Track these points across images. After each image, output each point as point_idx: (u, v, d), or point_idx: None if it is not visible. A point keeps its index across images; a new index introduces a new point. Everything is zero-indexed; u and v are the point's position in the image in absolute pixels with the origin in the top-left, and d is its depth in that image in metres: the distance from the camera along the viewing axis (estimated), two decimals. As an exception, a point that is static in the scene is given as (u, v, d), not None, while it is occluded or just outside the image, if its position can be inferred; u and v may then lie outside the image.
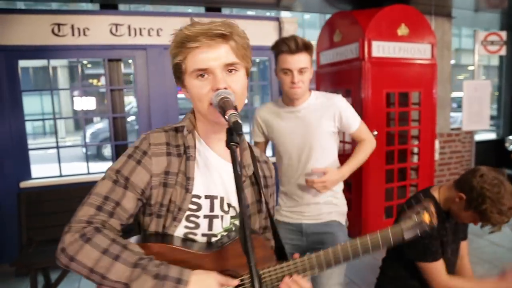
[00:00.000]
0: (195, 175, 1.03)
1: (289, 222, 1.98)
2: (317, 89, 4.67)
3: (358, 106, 3.79)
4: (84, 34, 3.76)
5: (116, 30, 3.86)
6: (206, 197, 1.03)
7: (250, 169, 1.10)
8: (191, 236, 1.02)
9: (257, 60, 13.14)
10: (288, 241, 1.94)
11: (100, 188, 0.94)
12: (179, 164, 1.02)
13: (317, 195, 1.87)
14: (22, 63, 3.82)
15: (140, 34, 3.95)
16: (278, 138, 1.94)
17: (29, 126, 4.00)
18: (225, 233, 1.06)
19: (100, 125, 10.37)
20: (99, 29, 3.80)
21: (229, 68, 0.97)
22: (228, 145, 0.85)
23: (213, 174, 1.05)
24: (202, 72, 0.95)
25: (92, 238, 0.85)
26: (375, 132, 3.73)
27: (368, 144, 1.94)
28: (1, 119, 3.65)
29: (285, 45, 1.72)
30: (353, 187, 3.98)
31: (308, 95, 1.89)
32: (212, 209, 1.04)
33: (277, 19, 4.39)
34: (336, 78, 4.29)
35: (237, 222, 1.07)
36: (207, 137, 1.07)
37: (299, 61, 1.74)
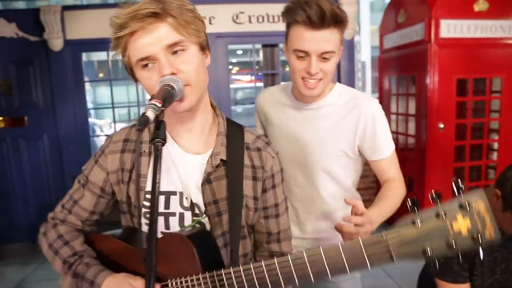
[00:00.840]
0: (149, 171, 0.95)
1: None
2: (380, 77, 4.26)
3: (423, 96, 3.35)
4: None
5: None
6: (161, 193, 0.94)
7: (217, 159, 0.95)
8: None
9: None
10: None
11: (72, 188, 1.03)
12: (134, 160, 0.96)
13: (318, 225, 1.37)
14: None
15: (193, 23, 3.95)
16: (273, 141, 1.35)
17: (115, 113, 4.49)
18: None
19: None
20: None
21: (174, 49, 0.83)
22: (151, 142, 0.73)
23: (172, 168, 0.95)
24: (145, 62, 0.84)
25: (47, 232, 0.99)
26: (441, 125, 3.27)
27: (401, 188, 1.28)
28: (66, 108, 3.94)
29: (303, 12, 1.11)
30: (414, 185, 3.57)
31: (329, 89, 1.31)
32: (167, 206, 0.95)
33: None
34: (400, 64, 3.85)
35: (203, 220, 0.95)
36: (172, 129, 0.96)
37: (323, 40, 1.14)
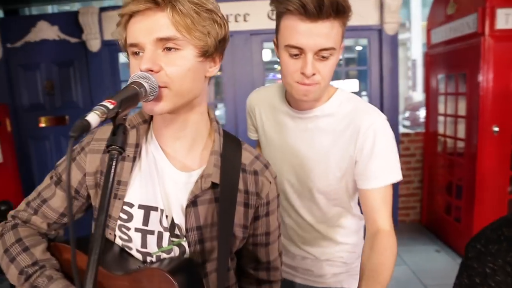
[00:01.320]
0: (131, 179, 0.84)
1: (285, 278, 1.32)
2: (427, 75, 3.93)
3: (475, 95, 3.02)
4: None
5: (204, 18, 3.86)
6: (140, 207, 0.83)
7: (208, 182, 0.81)
8: (127, 249, 0.85)
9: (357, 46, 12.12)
10: None
11: (41, 184, 0.91)
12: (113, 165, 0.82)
13: (318, 245, 1.21)
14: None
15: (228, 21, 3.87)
16: (264, 151, 1.23)
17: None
18: (162, 254, 0.83)
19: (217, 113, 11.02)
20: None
21: (166, 45, 0.72)
22: (106, 149, 0.62)
23: (156, 181, 0.83)
24: (135, 49, 0.74)
25: (4, 235, 0.85)
26: (496, 128, 2.92)
27: (394, 247, 0.97)
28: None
29: (296, 0, 0.91)
30: (463, 194, 3.23)
31: (328, 95, 1.09)
32: (146, 223, 0.82)
33: (378, -7, 3.80)
34: (449, 60, 3.52)
35: (183, 243, 0.83)
36: (159, 133, 0.86)
37: (321, 34, 0.93)
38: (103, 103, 0.58)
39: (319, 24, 0.92)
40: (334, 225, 1.17)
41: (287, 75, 1.01)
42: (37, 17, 3.96)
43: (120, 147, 0.60)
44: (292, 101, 1.13)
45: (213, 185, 0.82)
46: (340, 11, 0.92)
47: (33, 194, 0.89)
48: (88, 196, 0.89)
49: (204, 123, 0.87)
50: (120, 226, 0.83)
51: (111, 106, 0.58)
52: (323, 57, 0.96)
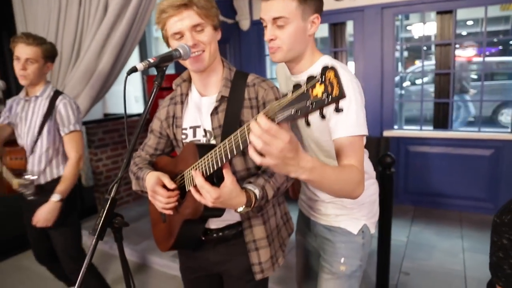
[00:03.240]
0: (183, 114, 1.40)
1: (303, 212, 1.64)
2: None
3: None
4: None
5: (339, -5, 4.12)
6: (190, 127, 1.38)
7: (219, 95, 1.30)
8: None
9: None
10: (305, 235, 1.65)
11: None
12: (174, 110, 1.43)
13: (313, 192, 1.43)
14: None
15: (361, -5, 4.04)
16: None
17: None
18: None
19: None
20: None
21: (197, 28, 1.22)
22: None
23: (195, 109, 1.37)
24: (177, 35, 1.24)
25: (131, 164, 1.48)
26: None
27: (359, 176, 1.12)
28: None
29: None
30: None
31: (312, 60, 1.32)
32: (195, 135, 1.37)
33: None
34: None
35: (212, 142, 1.33)
36: (195, 81, 1.37)
37: (273, 7, 1.23)
38: (149, 59, 1.12)
39: (272, 1, 1.23)
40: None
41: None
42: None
43: (159, 83, 1.13)
44: (288, 67, 1.39)
45: (226, 99, 1.29)
46: None
47: (143, 143, 1.51)
48: (168, 136, 1.45)
49: (219, 67, 1.34)
50: (184, 144, 1.39)
51: (152, 61, 1.11)
52: (279, 26, 1.24)
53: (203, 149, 1.17)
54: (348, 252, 1.43)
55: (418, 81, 8.35)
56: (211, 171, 1.07)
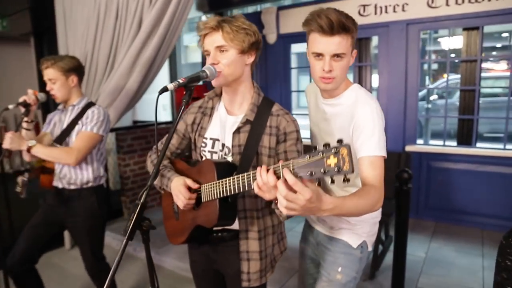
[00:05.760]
0: (208, 126, 1.53)
1: (308, 222, 1.76)
2: None
3: None
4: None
5: (364, 10, 4.19)
6: (211, 139, 1.51)
7: (244, 118, 1.41)
8: None
9: None
10: (307, 243, 1.75)
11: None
12: (201, 119, 1.55)
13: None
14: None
15: (386, 11, 4.09)
16: (310, 124, 1.65)
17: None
18: None
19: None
20: (348, 12, 4.23)
21: (220, 49, 1.35)
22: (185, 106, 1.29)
23: (219, 124, 1.50)
24: (206, 52, 1.38)
25: (151, 156, 1.65)
26: None
27: (378, 194, 1.24)
28: (275, 90, 4.90)
29: (315, 23, 1.33)
30: None
31: (344, 88, 1.46)
32: (213, 147, 1.50)
33: None
34: None
35: (228, 158, 1.45)
36: (225, 99, 1.50)
37: (334, 43, 1.33)
38: (179, 79, 1.24)
39: (332, 38, 1.33)
40: (343, 189, 1.53)
41: (314, 72, 1.43)
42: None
43: (187, 101, 1.24)
44: (321, 92, 1.53)
45: (250, 123, 1.41)
46: (346, 29, 1.32)
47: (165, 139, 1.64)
48: (190, 138, 1.59)
49: (248, 90, 1.45)
50: (201, 151, 1.52)
51: (181, 81, 1.23)
52: (336, 59, 1.36)
53: (221, 167, 1.34)
54: (346, 263, 1.54)
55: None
56: (232, 193, 1.23)
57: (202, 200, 1.38)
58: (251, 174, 1.14)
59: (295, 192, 0.96)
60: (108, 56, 3.10)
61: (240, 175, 1.18)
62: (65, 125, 2.23)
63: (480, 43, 3.82)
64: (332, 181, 0.93)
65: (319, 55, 1.38)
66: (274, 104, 1.47)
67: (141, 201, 1.14)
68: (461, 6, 3.72)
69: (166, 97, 6.13)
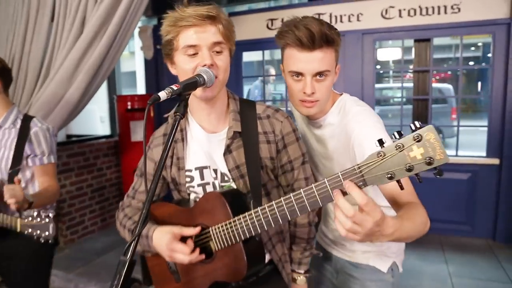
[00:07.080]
0: (185, 153, 1.19)
1: (321, 245, 1.51)
2: None
3: None
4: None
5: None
6: (196, 168, 1.18)
7: (231, 131, 1.11)
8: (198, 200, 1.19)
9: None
10: (322, 270, 1.51)
11: (133, 182, 1.30)
12: (173, 149, 1.20)
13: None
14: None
15: (341, 21, 4.05)
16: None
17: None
18: None
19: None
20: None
21: (215, 48, 1.04)
22: (173, 114, 0.96)
23: (198, 147, 1.17)
24: (191, 49, 1.03)
25: (118, 215, 1.27)
26: None
27: (424, 211, 1.02)
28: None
29: (292, 35, 1.11)
30: None
31: (330, 104, 1.25)
32: (202, 178, 1.17)
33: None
34: None
35: (232, 185, 1.15)
36: (196, 112, 1.17)
37: (316, 59, 1.12)
38: (172, 86, 0.92)
39: (314, 53, 1.11)
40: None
41: (292, 95, 1.22)
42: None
43: (182, 114, 0.93)
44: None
45: (239, 134, 1.12)
46: (330, 41, 1.11)
47: (130, 189, 1.28)
48: (164, 178, 1.24)
49: (224, 97, 1.16)
50: (188, 188, 1.18)
51: (175, 88, 0.91)
52: (320, 78, 1.15)
53: (233, 199, 1.03)
54: None
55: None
56: (267, 228, 0.95)
57: (214, 248, 1.06)
58: (292, 197, 0.86)
59: (361, 211, 0.74)
60: (42, 60, 2.61)
61: (275, 203, 0.90)
62: (7, 152, 1.73)
63: (430, 54, 3.92)
64: (420, 181, 0.73)
65: (298, 74, 1.17)
66: (256, 104, 1.19)
67: (128, 257, 0.81)
68: (412, 18, 3.79)
69: (103, 108, 5.54)
